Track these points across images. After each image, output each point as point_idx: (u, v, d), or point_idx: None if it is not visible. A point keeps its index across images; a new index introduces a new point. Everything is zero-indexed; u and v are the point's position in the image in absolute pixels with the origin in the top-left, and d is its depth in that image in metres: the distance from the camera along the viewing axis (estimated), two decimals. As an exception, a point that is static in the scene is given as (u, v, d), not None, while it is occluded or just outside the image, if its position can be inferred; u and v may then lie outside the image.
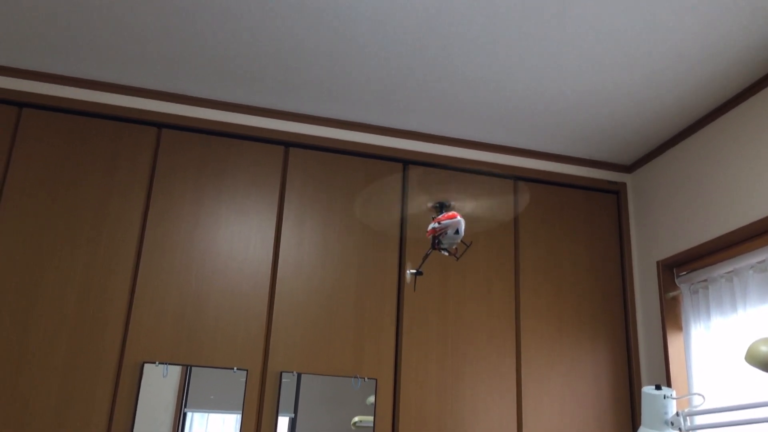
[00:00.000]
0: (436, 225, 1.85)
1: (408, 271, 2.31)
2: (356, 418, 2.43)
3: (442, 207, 1.93)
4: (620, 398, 2.73)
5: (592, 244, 2.92)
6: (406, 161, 2.82)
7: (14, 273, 2.32)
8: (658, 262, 2.74)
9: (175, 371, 2.33)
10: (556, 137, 2.82)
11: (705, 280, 2.55)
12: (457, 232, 1.81)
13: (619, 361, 2.78)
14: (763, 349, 1.27)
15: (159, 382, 2.30)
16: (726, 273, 2.44)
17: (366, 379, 2.49)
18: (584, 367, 2.73)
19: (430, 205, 2.29)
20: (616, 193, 3.04)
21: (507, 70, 2.34)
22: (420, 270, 1.93)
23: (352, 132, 2.78)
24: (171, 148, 2.59)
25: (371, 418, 2.44)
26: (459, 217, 1.82)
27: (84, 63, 2.44)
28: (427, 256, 1.98)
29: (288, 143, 2.71)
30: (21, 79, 2.50)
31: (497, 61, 2.29)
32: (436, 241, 1.84)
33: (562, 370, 2.70)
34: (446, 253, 1.83)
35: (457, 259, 2.21)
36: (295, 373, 2.43)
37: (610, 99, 2.50)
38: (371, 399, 2.46)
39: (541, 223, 2.89)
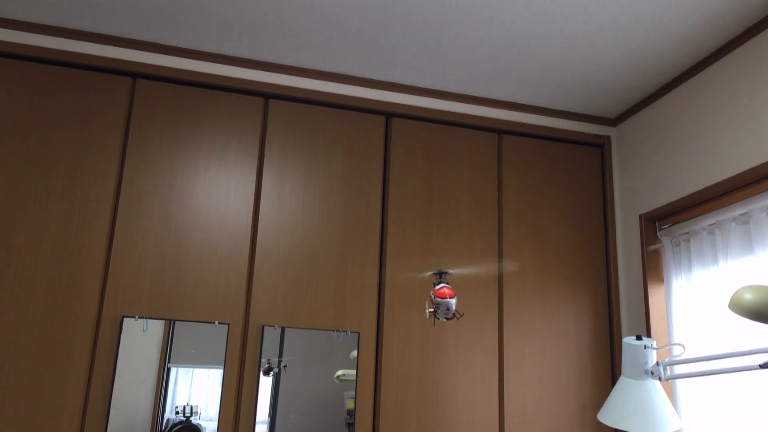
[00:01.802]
0: (433, 298, 2.19)
1: (427, 311, 2.61)
2: (339, 372, 2.43)
3: (441, 275, 2.28)
4: (601, 349, 2.76)
5: (576, 197, 2.91)
6: (389, 114, 2.77)
7: (-13, 227, 2.26)
8: (640, 216, 2.74)
9: (155, 325, 2.30)
10: (541, 90, 2.78)
11: (687, 233, 2.56)
12: (448, 309, 2.18)
13: (601, 312, 2.81)
14: (747, 296, 1.27)
15: (139, 337, 2.28)
16: (708, 225, 2.45)
17: (349, 332, 2.49)
18: (566, 318, 2.75)
19: (429, 273, 2.59)
20: (600, 147, 3.03)
21: (491, 21, 2.28)
22: (435, 309, 2.31)
23: (334, 84, 2.72)
24: (146, 98, 2.51)
25: (354, 371, 2.45)
26: (449, 299, 2.17)
27: (54, 10, 2.34)
28: (432, 314, 2.37)
29: (268, 95, 2.64)
30: (-13, 26, 2.40)
31: (481, 12, 2.23)
32: (434, 311, 2.21)
33: (543, 321, 2.72)
34: (445, 320, 2.22)
35: (457, 318, 2.59)
36: (277, 326, 2.42)
37: (596, 51, 2.46)
38: (354, 353, 2.46)
39: (525, 176, 2.87)
